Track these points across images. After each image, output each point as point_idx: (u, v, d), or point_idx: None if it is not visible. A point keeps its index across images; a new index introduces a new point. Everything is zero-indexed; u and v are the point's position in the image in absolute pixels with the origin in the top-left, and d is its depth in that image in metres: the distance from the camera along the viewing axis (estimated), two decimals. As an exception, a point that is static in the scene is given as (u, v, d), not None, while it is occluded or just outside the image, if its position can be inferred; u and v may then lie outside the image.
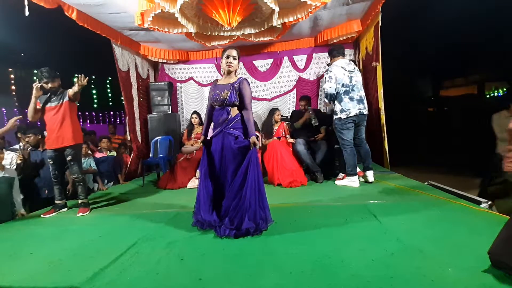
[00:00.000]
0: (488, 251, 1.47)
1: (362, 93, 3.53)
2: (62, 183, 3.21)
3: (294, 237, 2.10)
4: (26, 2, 3.16)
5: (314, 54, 5.92)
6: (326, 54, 5.84)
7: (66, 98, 3.04)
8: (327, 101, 3.57)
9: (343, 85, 3.43)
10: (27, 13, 3.18)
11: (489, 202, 2.53)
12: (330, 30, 5.20)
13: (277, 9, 3.66)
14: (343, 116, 3.41)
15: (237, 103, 2.34)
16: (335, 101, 3.50)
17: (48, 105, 3.06)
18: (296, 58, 5.99)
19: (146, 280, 1.62)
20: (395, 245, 1.86)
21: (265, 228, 2.22)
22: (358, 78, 3.54)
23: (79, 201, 3.16)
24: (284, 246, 1.96)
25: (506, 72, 8.28)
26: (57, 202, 3.16)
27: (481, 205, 2.52)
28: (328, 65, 3.72)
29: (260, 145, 4.43)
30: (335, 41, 5.35)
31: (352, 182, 3.54)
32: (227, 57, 2.35)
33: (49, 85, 3.02)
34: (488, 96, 10.32)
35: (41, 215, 3.02)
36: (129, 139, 5.53)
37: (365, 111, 3.52)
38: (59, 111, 3.03)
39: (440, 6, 6.21)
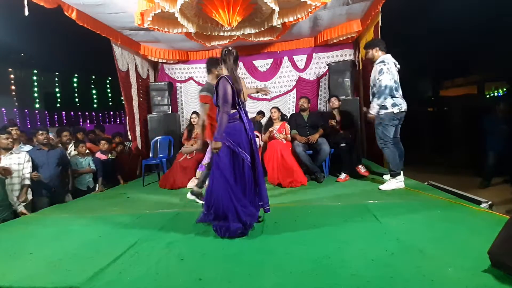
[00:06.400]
0: (488, 251, 1.47)
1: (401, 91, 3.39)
2: None
3: (294, 237, 2.10)
4: (25, 2, 3.15)
5: (314, 54, 5.92)
6: (326, 54, 5.88)
7: None
8: (381, 99, 3.26)
9: (395, 81, 3.31)
10: (26, 13, 3.18)
11: (489, 202, 2.53)
12: (330, 30, 5.20)
13: (277, 9, 3.66)
14: (395, 110, 3.26)
15: (217, 104, 2.35)
16: (384, 96, 3.29)
17: None
18: (296, 58, 5.99)
19: (146, 280, 1.62)
20: (395, 245, 1.86)
21: (256, 221, 2.25)
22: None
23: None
24: (284, 246, 1.96)
25: (506, 72, 8.28)
26: None
27: (481, 205, 2.52)
28: (371, 59, 3.46)
29: (261, 144, 4.44)
30: (335, 41, 5.35)
31: (399, 182, 3.30)
32: None
33: None
34: (488, 96, 10.32)
35: None
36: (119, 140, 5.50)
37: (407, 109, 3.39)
38: None
39: (440, 6, 6.20)
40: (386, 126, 3.29)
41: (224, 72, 2.38)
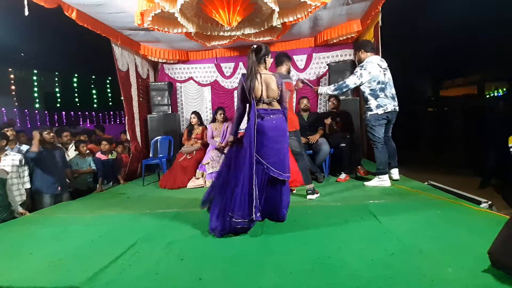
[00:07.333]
0: (488, 251, 1.47)
1: (394, 90, 3.46)
2: None
3: (294, 237, 2.10)
4: (25, 2, 3.15)
5: (314, 54, 5.92)
6: (326, 54, 5.87)
7: None
8: (336, 92, 3.46)
9: (378, 82, 3.34)
10: (26, 13, 3.17)
11: (489, 202, 2.53)
12: (330, 30, 5.19)
13: (277, 9, 3.65)
14: (379, 111, 3.33)
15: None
16: (339, 91, 3.46)
17: None
18: (296, 58, 5.98)
19: (146, 280, 1.62)
20: (395, 245, 1.86)
21: (210, 228, 2.21)
22: (389, 75, 3.46)
23: None
24: (284, 246, 1.97)
25: (506, 72, 8.27)
26: None
27: (481, 205, 2.52)
28: (358, 61, 3.57)
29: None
30: (335, 41, 5.35)
31: (383, 181, 3.43)
32: None
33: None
34: (488, 96, 10.31)
35: None
36: (126, 139, 5.52)
37: (397, 108, 3.45)
38: None
39: (440, 6, 6.20)
40: (373, 127, 3.40)
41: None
